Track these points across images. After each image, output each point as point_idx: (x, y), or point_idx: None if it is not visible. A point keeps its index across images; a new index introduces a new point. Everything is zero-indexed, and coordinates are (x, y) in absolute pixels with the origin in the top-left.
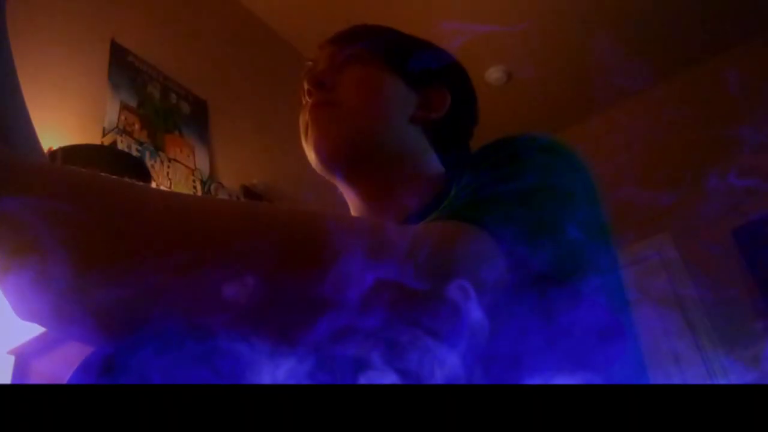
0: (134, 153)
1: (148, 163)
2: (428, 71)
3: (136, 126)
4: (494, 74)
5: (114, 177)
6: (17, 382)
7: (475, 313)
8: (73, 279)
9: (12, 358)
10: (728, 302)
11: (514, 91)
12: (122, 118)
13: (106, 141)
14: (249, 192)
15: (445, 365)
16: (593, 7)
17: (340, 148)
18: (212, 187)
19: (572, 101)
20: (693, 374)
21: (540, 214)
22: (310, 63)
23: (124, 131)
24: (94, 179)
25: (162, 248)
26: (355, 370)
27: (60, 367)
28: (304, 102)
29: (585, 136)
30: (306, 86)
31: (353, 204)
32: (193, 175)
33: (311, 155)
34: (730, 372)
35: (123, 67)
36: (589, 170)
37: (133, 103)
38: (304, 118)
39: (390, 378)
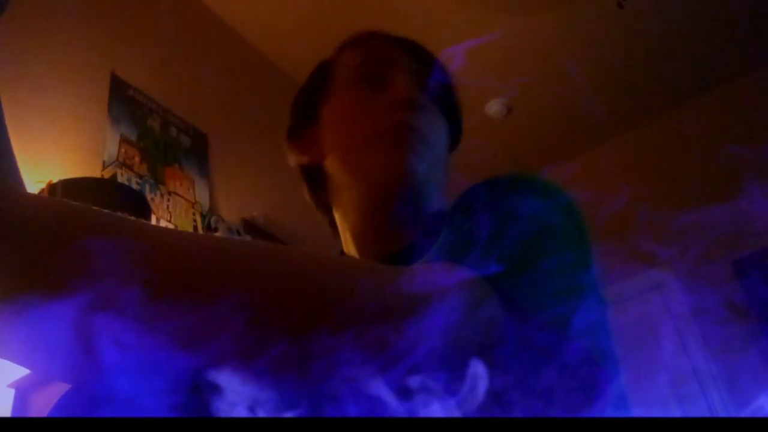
0: (134, 186)
1: (148, 196)
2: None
3: (136, 159)
4: (494, 107)
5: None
6: (17, 415)
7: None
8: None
9: (12, 392)
10: (728, 333)
11: (513, 124)
12: (122, 151)
13: (106, 174)
14: (249, 225)
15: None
16: (594, 43)
17: (418, 183)
18: (212, 221)
19: (572, 134)
20: (693, 406)
21: (532, 260)
22: (376, 45)
23: (124, 164)
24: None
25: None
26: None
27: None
28: (364, 93)
29: (584, 169)
30: (404, 96)
31: (354, 228)
32: (193, 208)
33: (379, 168)
34: (729, 404)
35: (123, 100)
36: (578, 211)
37: (133, 136)
38: (382, 123)
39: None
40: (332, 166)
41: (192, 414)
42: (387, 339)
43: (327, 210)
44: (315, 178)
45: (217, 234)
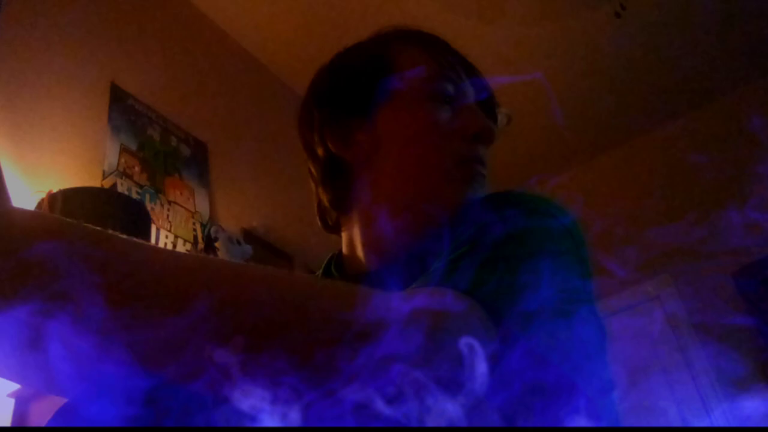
0: (134, 196)
1: (148, 206)
2: None
3: (136, 169)
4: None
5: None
6: (16, 425)
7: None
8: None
9: (11, 401)
10: (728, 343)
11: (514, 133)
12: (122, 160)
13: (107, 184)
14: (249, 235)
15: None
16: (595, 53)
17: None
18: (212, 230)
19: (573, 144)
20: (691, 415)
21: (524, 281)
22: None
23: (124, 174)
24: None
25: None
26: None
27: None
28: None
29: (585, 179)
30: (481, 129)
31: (377, 233)
32: (193, 217)
33: (447, 195)
34: (729, 414)
35: (123, 110)
36: (581, 233)
37: (133, 146)
38: (458, 152)
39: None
40: (381, 171)
41: (146, 425)
42: (334, 363)
43: (339, 206)
44: (339, 171)
45: (216, 244)
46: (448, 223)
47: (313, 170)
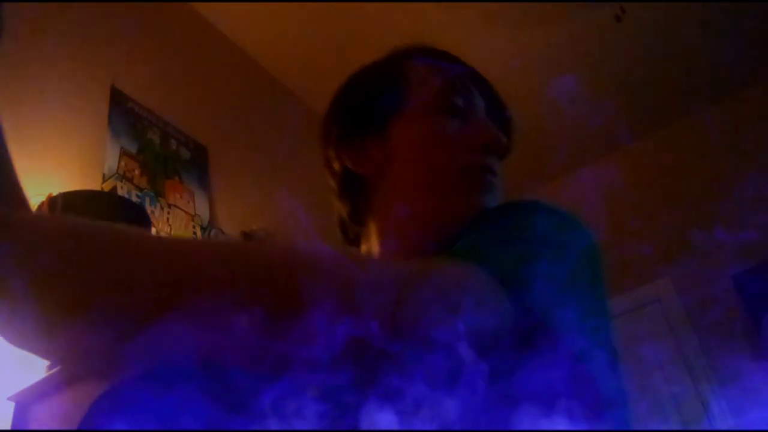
0: (134, 199)
1: (148, 209)
2: None
3: (136, 172)
4: None
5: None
6: (17, 428)
7: (468, 356)
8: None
9: (12, 405)
10: (728, 346)
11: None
12: (122, 163)
13: (106, 187)
14: (249, 238)
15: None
16: (592, 57)
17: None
18: (212, 233)
19: (569, 149)
20: (692, 420)
21: (543, 268)
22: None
23: (124, 177)
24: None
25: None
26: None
27: (59, 413)
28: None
29: (585, 182)
30: (492, 139)
31: (397, 247)
32: (192, 221)
33: (460, 206)
34: (729, 417)
35: (123, 112)
36: (591, 235)
37: (133, 149)
38: (470, 162)
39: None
40: (394, 184)
41: None
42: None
43: (357, 220)
44: (356, 185)
45: None
46: (463, 233)
47: (332, 184)
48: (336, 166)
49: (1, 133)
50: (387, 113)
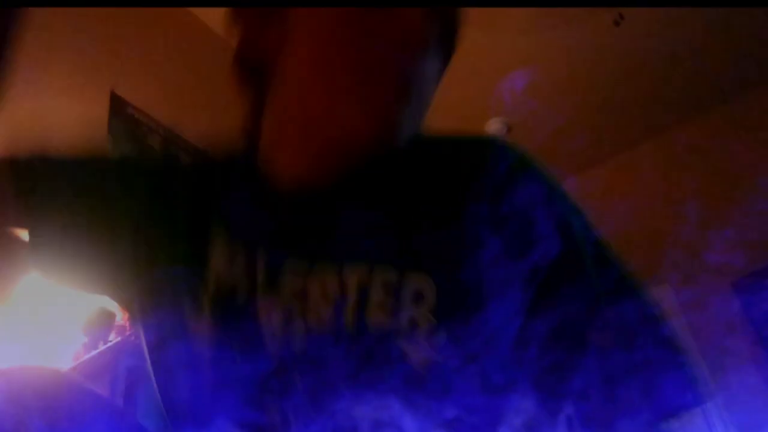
0: None
1: None
2: None
3: None
4: (494, 125)
5: None
6: None
7: None
8: None
9: None
10: (727, 354)
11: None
12: None
13: None
14: None
15: None
16: (594, 63)
17: (394, 138)
18: None
19: (570, 153)
20: (692, 427)
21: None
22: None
23: None
24: None
25: None
26: None
27: None
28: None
29: (585, 187)
30: (414, 31)
31: (286, 150)
32: None
33: (361, 115)
34: (729, 425)
35: (123, 119)
36: None
37: (133, 155)
38: (384, 61)
39: None
40: (293, 71)
41: None
42: None
43: (254, 109)
44: (251, 66)
45: None
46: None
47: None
48: (233, 43)
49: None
50: None
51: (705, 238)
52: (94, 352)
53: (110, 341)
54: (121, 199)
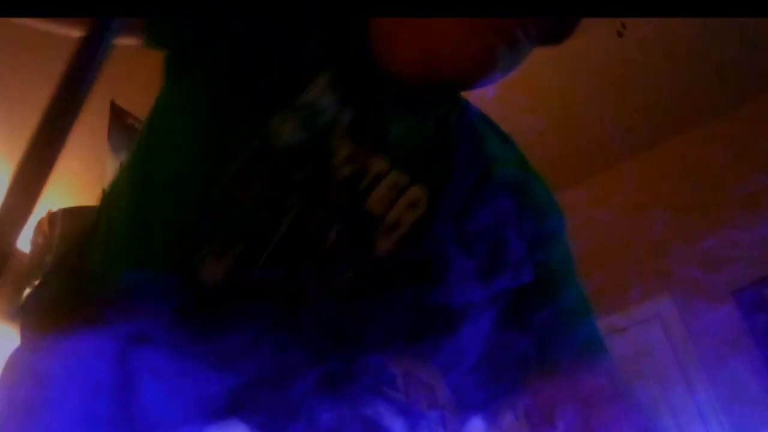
0: None
1: None
2: None
3: None
4: None
5: None
6: None
7: None
8: None
9: None
10: (729, 363)
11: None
12: None
13: None
14: None
15: None
16: (592, 74)
17: None
18: None
19: (571, 162)
20: None
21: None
22: None
23: None
24: None
25: None
26: None
27: None
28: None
29: (583, 198)
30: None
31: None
32: None
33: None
34: None
35: (123, 128)
36: None
37: None
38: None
39: None
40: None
41: None
42: None
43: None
44: None
45: None
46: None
47: None
48: None
49: None
50: None
51: (705, 249)
52: None
53: None
54: None
